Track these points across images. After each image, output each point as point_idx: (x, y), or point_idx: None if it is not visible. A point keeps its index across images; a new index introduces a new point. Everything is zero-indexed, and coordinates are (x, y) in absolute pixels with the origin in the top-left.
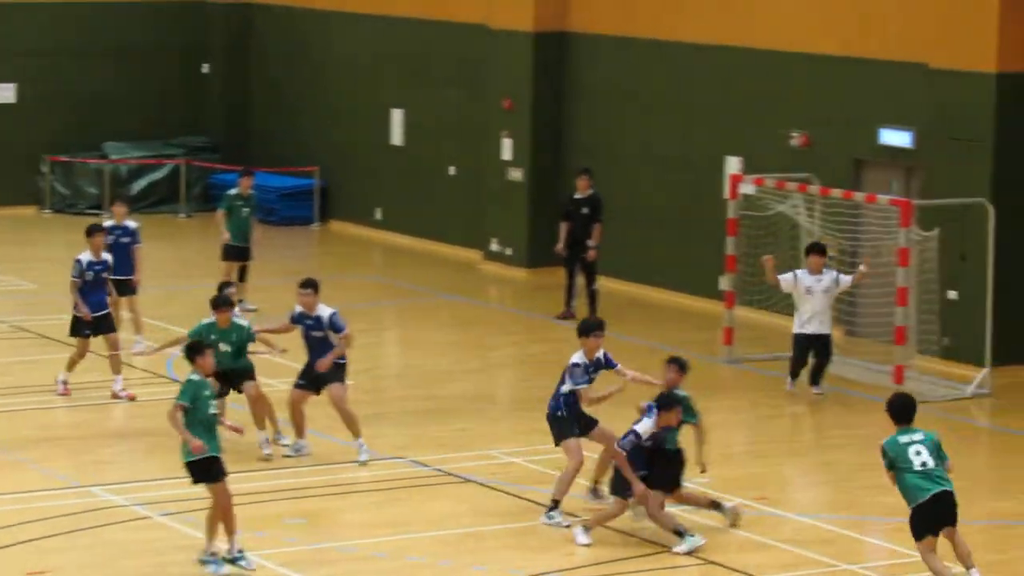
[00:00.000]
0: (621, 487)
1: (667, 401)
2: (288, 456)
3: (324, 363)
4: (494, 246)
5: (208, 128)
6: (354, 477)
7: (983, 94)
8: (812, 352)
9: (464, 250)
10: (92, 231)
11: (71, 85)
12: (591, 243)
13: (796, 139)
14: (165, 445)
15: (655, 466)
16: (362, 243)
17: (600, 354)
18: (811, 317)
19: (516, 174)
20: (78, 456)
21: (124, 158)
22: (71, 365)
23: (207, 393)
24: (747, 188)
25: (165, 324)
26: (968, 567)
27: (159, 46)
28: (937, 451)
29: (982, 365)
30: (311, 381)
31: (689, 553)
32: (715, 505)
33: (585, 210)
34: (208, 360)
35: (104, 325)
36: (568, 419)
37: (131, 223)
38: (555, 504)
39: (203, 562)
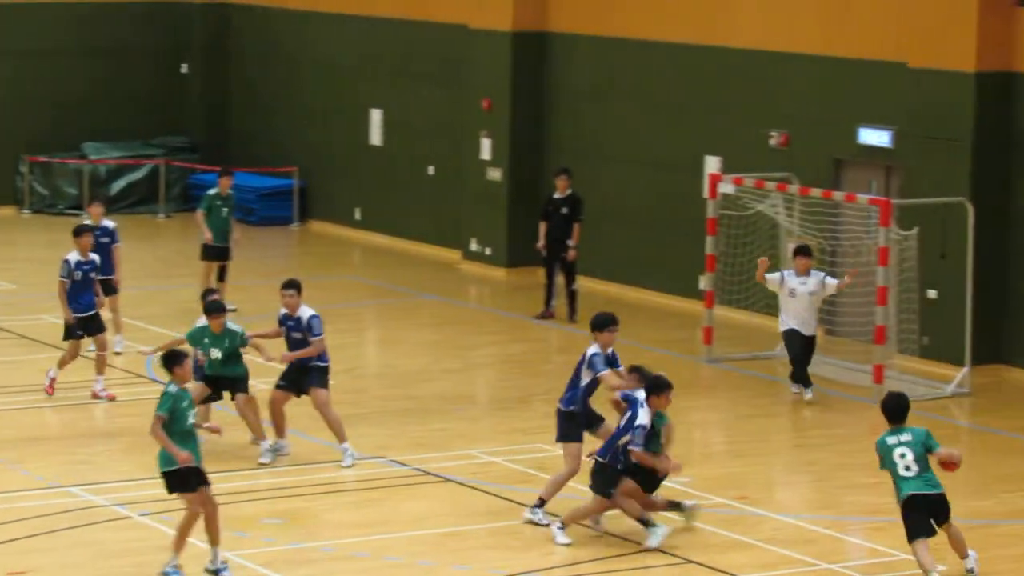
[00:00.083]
0: (601, 485)
1: (655, 385)
2: (263, 461)
3: (287, 356)
4: (473, 246)
5: (187, 128)
6: (333, 477)
7: (963, 93)
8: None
9: (443, 250)
10: (79, 231)
11: (50, 85)
12: (571, 243)
13: (775, 138)
14: (145, 445)
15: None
16: (341, 243)
17: (609, 351)
18: (795, 318)
19: (495, 174)
20: (58, 456)
21: (103, 158)
22: (62, 364)
23: (185, 404)
24: (726, 187)
25: (145, 324)
26: (963, 556)
27: (138, 46)
28: (924, 450)
29: (962, 364)
30: (292, 383)
31: (659, 546)
32: (674, 505)
33: (564, 210)
34: (186, 369)
35: (93, 325)
36: (579, 417)
37: (109, 223)
38: (541, 502)
39: (165, 574)
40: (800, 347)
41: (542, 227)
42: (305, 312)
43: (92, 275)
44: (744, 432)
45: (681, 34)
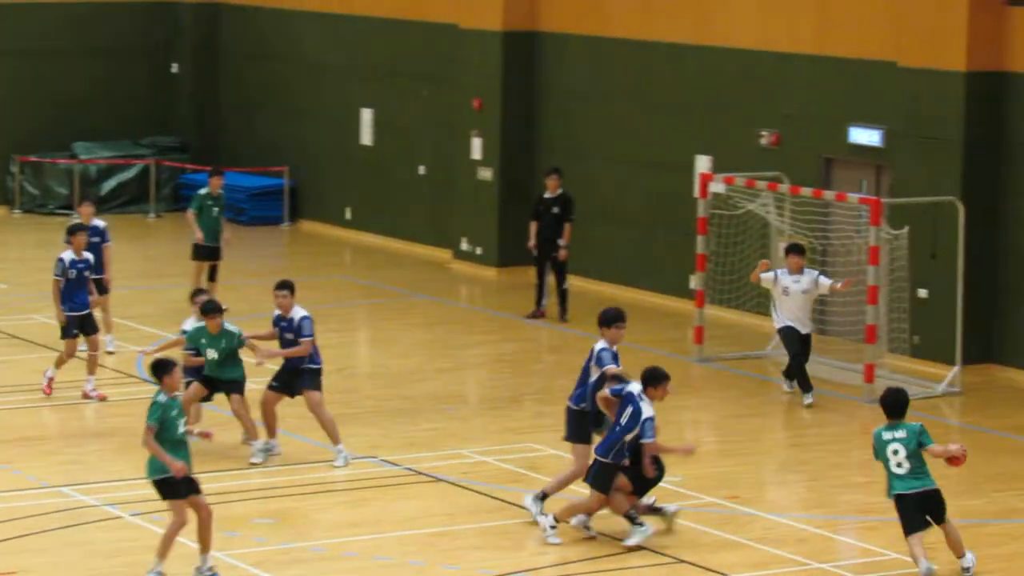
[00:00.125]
0: (603, 483)
1: (652, 376)
2: (254, 461)
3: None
4: (464, 245)
5: (178, 128)
6: (324, 477)
7: (953, 92)
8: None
9: (434, 249)
10: (74, 230)
11: (40, 85)
12: (562, 242)
13: (766, 138)
14: (136, 445)
15: (636, 465)
16: (332, 243)
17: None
18: (790, 316)
19: (486, 173)
20: (49, 456)
21: (94, 158)
22: (59, 363)
23: (174, 413)
24: (717, 187)
25: (135, 324)
26: (959, 555)
27: (128, 46)
28: (917, 447)
29: (952, 363)
30: (285, 384)
31: (638, 544)
32: (655, 510)
33: (555, 209)
34: (175, 378)
35: (87, 325)
36: (589, 415)
37: (99, 222)
38: (543, 495)
39: None
40: (799, 344)
41: (533, 227)
42: (297, 313)
43: (86, 274)
44: (735, 431)
45: (672, 34)
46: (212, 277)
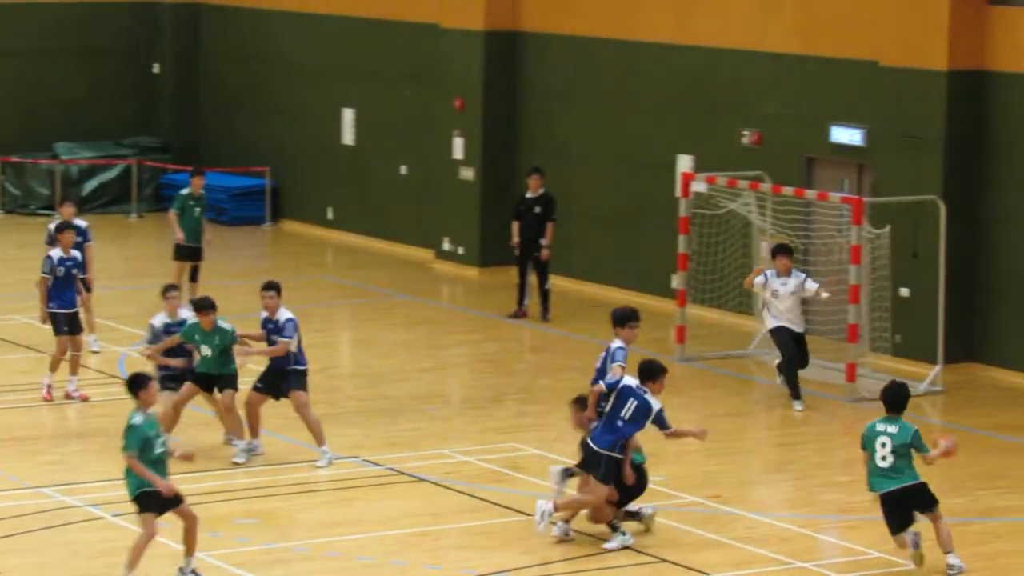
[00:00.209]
0: (609, 476)
1: (650, 370)
2: (237, 461)
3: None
4: (446, 245)
5: (159, 128)
6: (307, 477)
7: (934, 91)
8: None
9: (416, 249)
10: (61, 228)
11: (22, 86)
12: (544, 242)
13: (747, 137)
14: (118, 446)
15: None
16: (314, 243)
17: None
18: (781, 316)
19: (468, 173)
20: (31, 457)
21: (75, 158)
22: (54, 366)
23: (152, 433)
24: (699, 186)
25: (117, 324)
26: (945, 552)
27: (110, 46)
28: (908, 448)
29: (934, 362)
30: (270, 385)
31: (620, 549)
32: (632, 515)
33: (537, 209)
34: (151, 392)
35: (74, 324)
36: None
37: (81, 222)
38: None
39: None
40: (793, 345)
41: (515, 226)
42: (283, 315)
43: (74, 272)
44: (717, 431)
45: (653, 33)
46: (194, 277)
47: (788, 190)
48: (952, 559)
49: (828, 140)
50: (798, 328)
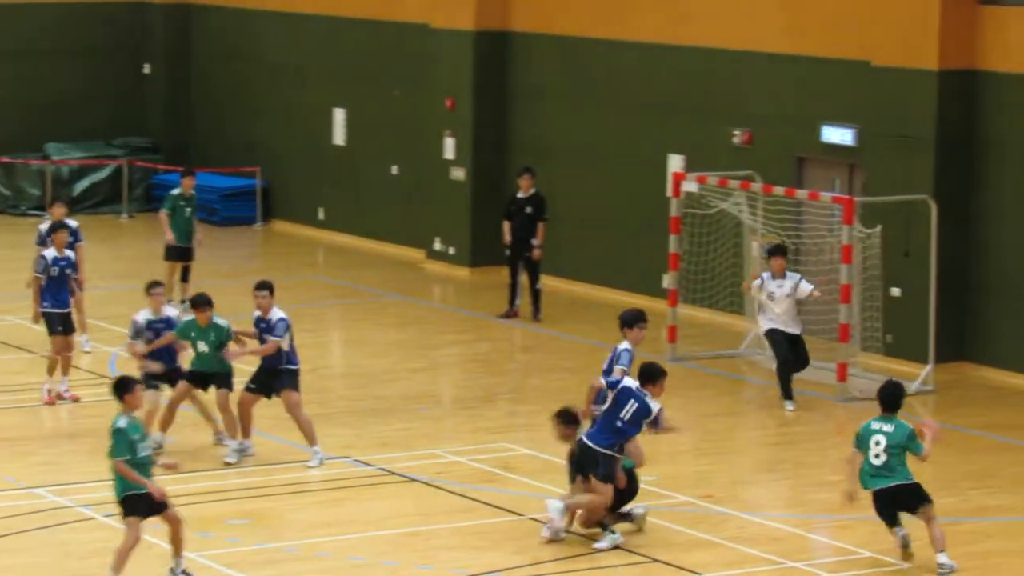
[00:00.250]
0: (611, 475)
1: (649, 373)
2: (228, 461)
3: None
4: (437, 245)
5: (150, 128)
6: (298, 477)
7: (925, 91)
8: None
9: (407, 249)
10: (55, 227)
11: (12, 86)
12: (535, 242)
13: (738, 137)
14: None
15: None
16: (305, 243)
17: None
18: (776, 318)
19: (459, 173)
20: (23, 458)
21: (66, 159)
22: (51, 370)
23: (137, 437)
24: (690, 186)
25: (108, 325)
26: (937, 551)
27: (100, 47)
28: (901, 448)
29: (925, 362)
30: (262, 385)
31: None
32: (623, 516)
33: (528, 209)
34: (136, 395)
35: (67, 324)
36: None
37: (71, 222)
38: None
39: None
40: (787, 348)
41: (506, 226)
42: (275, 314)
43: (68, 271)
44: (709, 431)
45: (644, 33)
46: (184, 278)
47: (779, 190)
48: (943, 558)
49: (819, 140)
50: (795, 330)
